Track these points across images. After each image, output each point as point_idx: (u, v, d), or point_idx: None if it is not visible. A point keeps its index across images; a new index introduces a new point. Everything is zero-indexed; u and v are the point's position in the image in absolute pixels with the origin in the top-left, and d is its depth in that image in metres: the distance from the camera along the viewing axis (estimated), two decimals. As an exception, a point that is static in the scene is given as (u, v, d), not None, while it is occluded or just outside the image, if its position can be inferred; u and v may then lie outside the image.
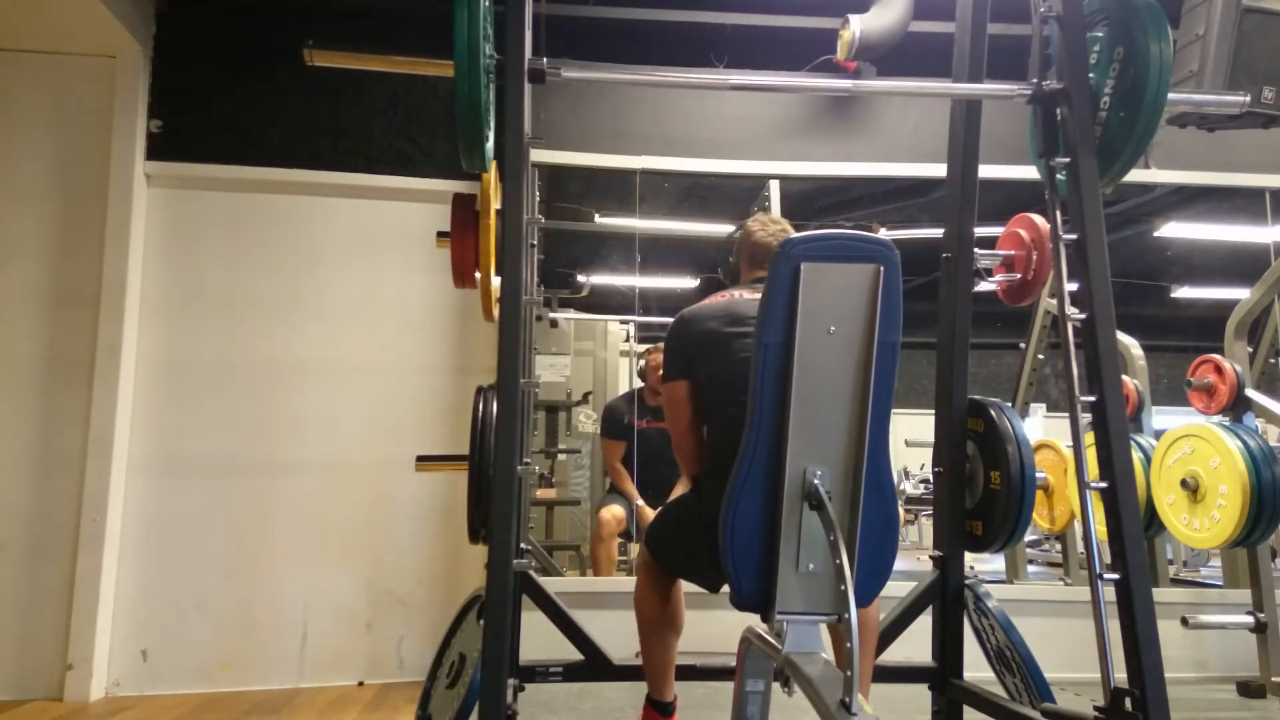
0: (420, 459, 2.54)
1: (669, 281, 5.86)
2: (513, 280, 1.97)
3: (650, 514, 4.25)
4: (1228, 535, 3.29)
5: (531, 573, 2.42)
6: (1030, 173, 2.47)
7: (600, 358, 5.89)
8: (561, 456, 5.39)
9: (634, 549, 4.58)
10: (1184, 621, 3.43)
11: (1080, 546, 3.54)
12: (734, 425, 1.74)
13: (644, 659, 2.23)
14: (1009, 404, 2.48)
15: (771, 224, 2.36)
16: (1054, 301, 2.84)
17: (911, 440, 5.97)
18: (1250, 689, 3.56)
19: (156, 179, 3.96)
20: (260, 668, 3.81)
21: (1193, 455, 3.45)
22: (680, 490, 2.96)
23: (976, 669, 2.38)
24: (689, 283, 5.78)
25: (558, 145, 4.14)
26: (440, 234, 2.52)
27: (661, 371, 2.26)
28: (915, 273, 2.48)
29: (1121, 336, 3.88)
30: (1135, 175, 2.74)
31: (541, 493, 5.03)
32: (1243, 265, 4.74)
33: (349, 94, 4.10)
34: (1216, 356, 3.78)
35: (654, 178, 4.38)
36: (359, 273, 4.08)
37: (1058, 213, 2.08)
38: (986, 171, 2.51)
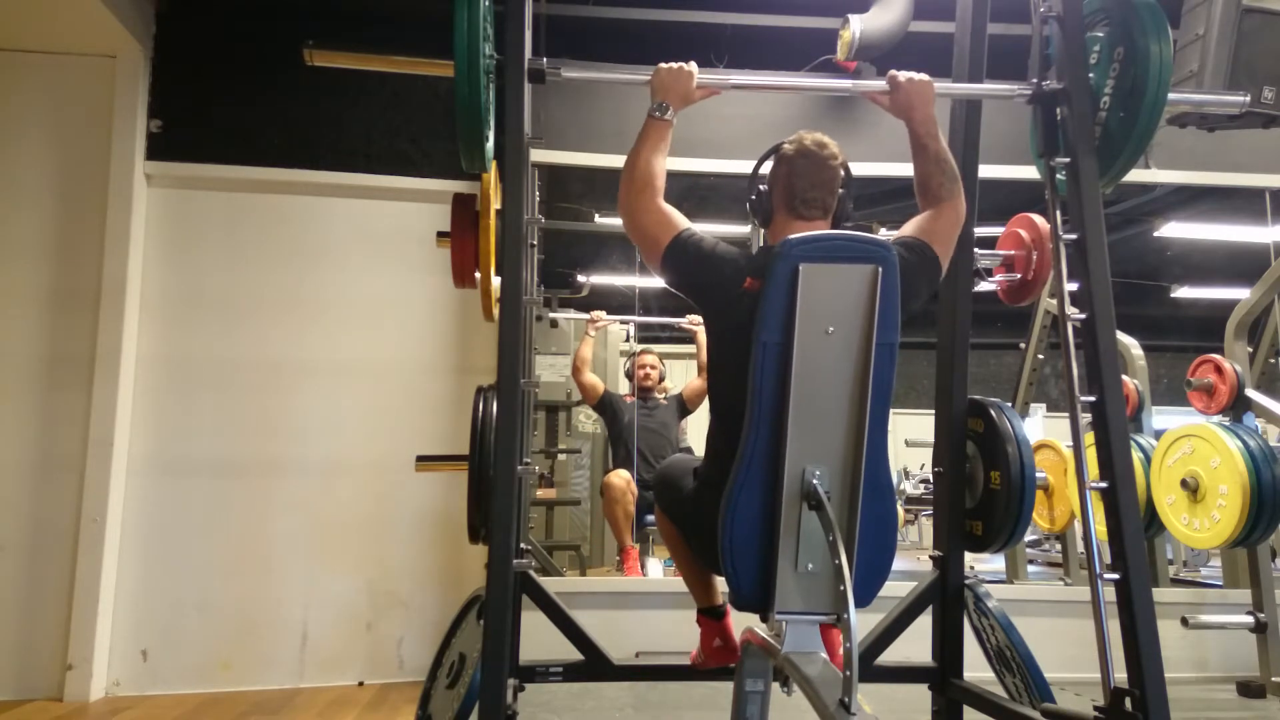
0: (420, 459, 2.53)
1: (669, 281, 5.85)
2: (513, 280, 1.97)
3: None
4: (1228, 535, 3.29)
5: (531, 573, 2.42)
6: (1030, 173, 2.47)
7: (600, 357, 5.88)
8: (561, 456, 5.40)
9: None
10: (1184, 621, 3.43)
11: (1080, 546, 3.54)
12: (735, 420, 1.73)
13: (683, 577, 2.19)
14: (1009, 404, 2.47)
15: (810, 139, 1.97)
16: (1054, 301, 2.84)
17: (911, 440, 5.99)
18: (1250, 689, 3.56)
19: (156, 179, 3.96)
20: (260, 668, 3.81)
21: (1193, 455, 3.45)
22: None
23: (976, 669, 2.38)
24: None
25: (558, 145, 4.14)
26: (440, 234, 2.52)
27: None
28: (915, 273, 2.47)
29: (1121, 336, 3.89)
30: (1135, 175, 2.74)
31: (541, 493, 5.03)
32: (1243, 265, 4.74)
33: (349, 94, 4.10)
34: (1216, 356, 3.78)
35: (654, 177, 4.37)
36: (359, 273, 4.08)
37: (1058, 213, 2.08)
38: (986, 171, 2.51)
